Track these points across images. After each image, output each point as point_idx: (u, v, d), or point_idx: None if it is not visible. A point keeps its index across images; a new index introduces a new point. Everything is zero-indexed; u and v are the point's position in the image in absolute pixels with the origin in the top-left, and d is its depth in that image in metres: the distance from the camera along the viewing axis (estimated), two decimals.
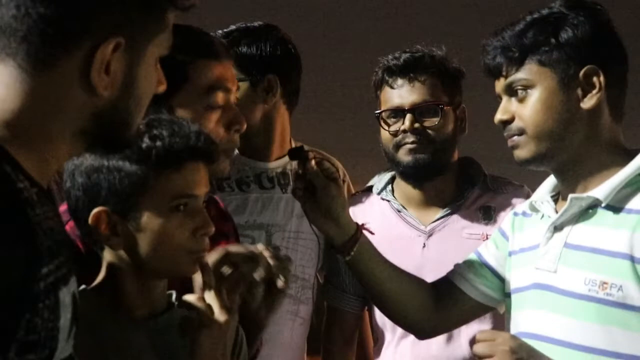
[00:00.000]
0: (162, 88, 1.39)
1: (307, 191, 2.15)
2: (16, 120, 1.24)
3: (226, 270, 1.79)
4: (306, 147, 2.31)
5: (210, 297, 1.68)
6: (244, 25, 2.60)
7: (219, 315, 1.67)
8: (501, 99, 2.06)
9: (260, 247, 1.86)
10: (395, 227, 2.68)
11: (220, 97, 2.03)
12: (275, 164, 2.57)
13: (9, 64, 1.24)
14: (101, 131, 1.31)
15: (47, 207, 1.25)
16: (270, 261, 1.84)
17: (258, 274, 1.82)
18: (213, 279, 1.70)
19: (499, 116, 2.05)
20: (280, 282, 1.88)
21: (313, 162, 2.13)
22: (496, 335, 2.00)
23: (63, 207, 1.88)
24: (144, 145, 1.62)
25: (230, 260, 1.80)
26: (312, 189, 2.13)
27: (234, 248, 1.85)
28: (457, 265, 2.30)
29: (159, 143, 1.62)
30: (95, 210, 1.63)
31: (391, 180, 2.76)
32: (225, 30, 2.57)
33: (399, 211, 2.70)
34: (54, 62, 1.24)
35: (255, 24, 2.61)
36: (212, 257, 1.79)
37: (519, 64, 2.01)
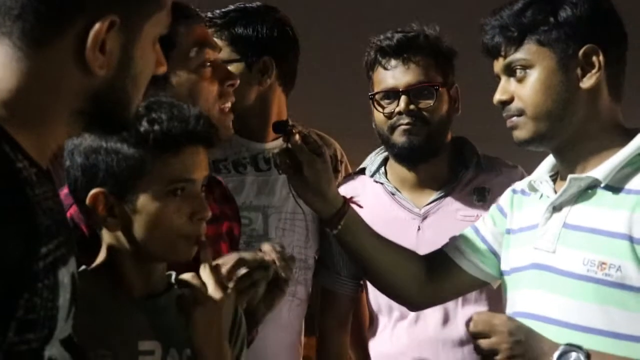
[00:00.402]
0: (162, 69, 1.40)
1: (293, 165, 2.16)
2: (14, 100, 1.24)
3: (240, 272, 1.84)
4: (291, 122, 2.32)
5: (206, 275, 1.69)
6: (241, 5, 2.60)
7: (214, 292, 1.67)
8: (499, 79, 2.06)
9: (266, 247, 1.90)
10: (389, 210, 2.68)
11: (209, 53, 2.07)
12: (272, 145, 2.57)
13: (5, 42, 1.24)
14: (99, 111, 1.31)
15: (46, 187, 1.26)
16: (277, 262, 1.89)
17: (280, 268, 1.88)
18: (209, 256, 1.71)
19: (498, 96, 2.05)
20: (283, 283, 1.93)
21: (297, 136, 2.14)
22: (494, 317, 2.03)
23: (67, 190, 1.89)
24: (142, 128, 1.63)
25: (243, 265, 1.84)
26: (297, 163, 2.15)
27: (247, 255, 1.88)
28: (452, 239, 2.31)
29: (157, 127, 1.63)
30: (93, 191, 1.64)
31: (384, 162, 2.76)
32: (222, 10, 2.57)
33: (392, 194, 2.70)
34: (49, 41, 1.24)
35: (254, 4, 2.61)
36: (227, 263, 1.83)
37: (517, 43, 2.01)
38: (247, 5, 2.60)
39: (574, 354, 1.88)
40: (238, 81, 2.15)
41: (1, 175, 1.16)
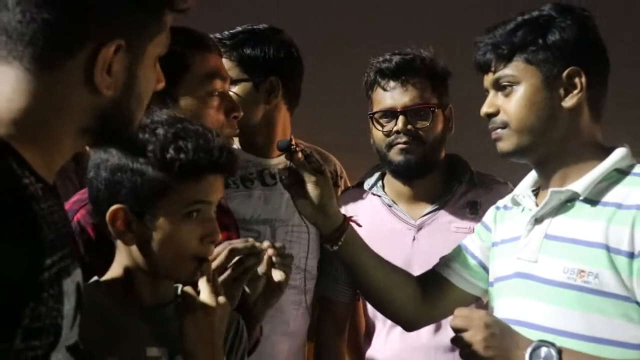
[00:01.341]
0: (161, 86, 1.40)
1: (295, 182, 2.16)
2: (22, 119, 1.24)
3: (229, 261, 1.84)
4: (294, 141, 2.32)
5: (202, 284, 1.69)
6: (249, 27, 2.60)
7: (207, 299, 1.67)
8: (488, 93, 2.07)
9: (265, 244, 1.90)
10: (386, 221, 2.67)
11: (218, 84, 2.08)
12: (277, 161, 2.57)
13: (16, 66, 1.24)
14: (104, 128, 1.31)
15: (52, 202, 1.25)
16: (274, 258, 1.89)
17: (260, 268, 1.87)
18: (210, 270, 1.71)
19: (485, 109, 2.06)
20: (278, 276, 1.92)
21: (300, 154, 2.14)
22: (472, 311, 2.03)
23: (76, 197, 1.89)
24: (168, 155, 1.62)
25: (235, 254, 1.84)
26: (300, 180, 2.14)
27: (238, 244, 1.88)
28: (443, 258, 2.30)
29: (182, 155, 1.62)
30: (114, 207, 1.63)
31: (381, 177, 2.76)
32: (231, 31, 2.58)
33: (389, 206, 2.70)
34: (59, 64, 1.24)
35: (260, 26, 2.61)
36: (221, 253, 1.83)
37: (507, 60, 2.02)
38: (255, 27, 2.60)
39: (545, 349, 1.87)
40: (242, 113, 2.15)
41: (8, 190, 1.16)
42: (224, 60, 2.34)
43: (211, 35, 2.24)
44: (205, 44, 2.10)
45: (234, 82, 2.44)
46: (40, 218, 1.20)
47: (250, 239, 1.91)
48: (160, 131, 1.65)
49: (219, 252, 1.85)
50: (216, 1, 4.00)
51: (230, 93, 2.23)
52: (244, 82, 2.52)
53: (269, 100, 2.56)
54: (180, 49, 1.96)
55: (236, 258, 1.85)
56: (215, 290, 1.69)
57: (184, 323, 1.66)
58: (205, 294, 1.67)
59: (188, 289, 1.70)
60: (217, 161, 1.66)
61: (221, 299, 1.68)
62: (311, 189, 2.14)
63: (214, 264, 1.82)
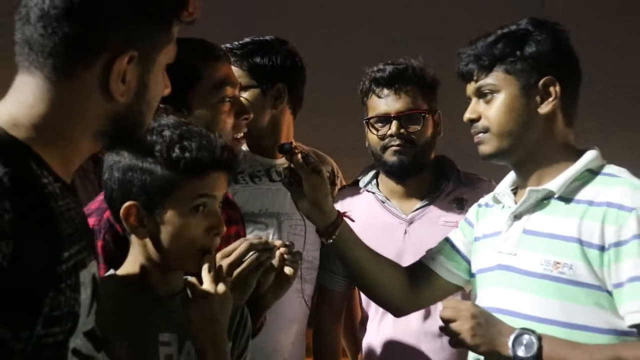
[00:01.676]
0: (167, 91, 1.39)
1: (294, 181, 2.16)
2: (42, 124, 1.24)
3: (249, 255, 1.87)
4: (294, 144, 2.31)
5: (205, 273, 1.69)
6: (257, 38, 2.59)
7: (207, 287, 1.67)
8: (471, 100, 2.07)
9: (278, 242, 1.93)
10: (380, 215, 2.67)
11: (229, 90, 2.08)
12: (281, 161, 2.54)
13: (37, 75, 1.24)
14: (118, 131, 1.31)
15: (69, 199, 1.25)
16: (285, 256, 1.91)
17: (274, 262, 1.89)
18: (213, 261, 1.72)
19: (468, 115, 2.06)
20: (288, 271, 1.93)
21: (299, 155, 2.14)
22: (460, 303, 2.04)
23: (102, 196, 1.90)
24: (174, 155, 1.63)
25: (251, 249, 1.86)
26: (299, 179, 2.15)
27: (254, 240, 1.90)
28: (429, 251, 2.30)
29: (187, 154, 1.64)
30: (127, 204, 1.64)
31: (375, 175, 2.75)
32: (240, 42, 2.57)
33: (383, 202, 2.69)
34: (77, 74, 1.24)
35: (267, 37, 2.60)
36: (238, 248, 1.86)
37: (488, 70, 2.02)
38: (263, 38, 2.60)
39: (527, 336, 1.88)
40: (252, 115, 2.16)
41: (28, 189, 1.16)
42: (234, 68, 2.36)
43: (221, 45, 2.24)
44: (215, 54, 2.10)
45: (244, 88, 2.44)
46: (58, 214, 1.20)
47: (264, 236, 1.92)
48: (166, 133, 1.66)
49: (236, 247, 1.87)
50: (221, 11, 4.00)
51: (241, 98, 2.23)
52: (253, 88, 2.52)
53: (275, 105, 2.56)
54: (193, 60, 1.99)
55: (251, 252, 1.86)
56: (216, 280, 1.68)
57: (187, 310, 1.66)
58: (206, 283, 1.67)
59: (192, 279, 1.71)
60: (219, 159, 1.67)
61: (220, 287, 1.67)
62: (308, 187, 2.14)
63: (232, 257, 1.85)
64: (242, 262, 1.86)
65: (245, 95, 2.45)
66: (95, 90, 1.25)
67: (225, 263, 1.86)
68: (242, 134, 2.15)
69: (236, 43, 2.56)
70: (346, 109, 2.94)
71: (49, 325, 1.17)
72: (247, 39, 2.59)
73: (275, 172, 2.56)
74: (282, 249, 1.91)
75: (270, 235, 2.50)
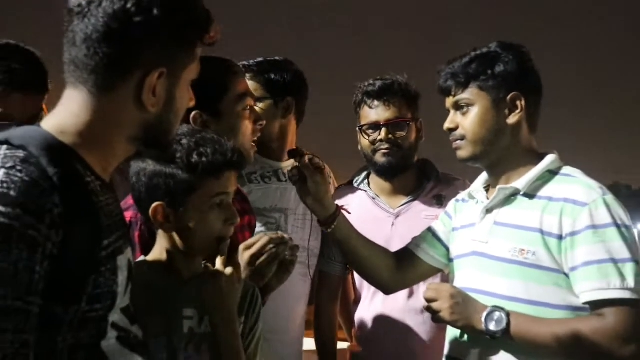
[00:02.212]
0: (192, 104, 1.40)
1: (300, 179, 2.16)
2: (85, 131, 1.25)
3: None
4: (301, 149, 2.32)
5: (218, 259, 1.69)
6: (271, 58, 2.60)
7: (218, 267, 1.68)
8: (449, 112, 2.07)
9: (287, 236, 1.93)
10: (371, 210, 2.66)
11: (249, 101, 2.10)
12: (287, 164, 2.55)
13: (81, 89, 1.26)
14: (149, 137, 1.32)
15: (108, 196, 1.27)
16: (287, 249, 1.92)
17: (287, 253, 1.90)
18: (226, 248, 1.72)
19: (447, 125, 2.06)
20: (291, 261, 1.94)
21: (306, 158, 2.16)
22: (440, 285, 2.05)
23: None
24: (193, 160, 1.63)
25: (270, 243, 1.88)
26: (304, 177, 2.15)
27: (272, 235, 1.91)
28: (414, 239, 2.30)
29: (204, 159, 1.63)
30: (154, 205, 1.64)
31: (367, 175, 2.75)
32: (256, 60, 2.57)
33: (373, 198, 2.68)
34: (115, 88, 1.25)
35: (278, 58, 2.61)
36: (260, 241, 1.88)
37: (464, 87, 2.02)
38: (274, 58, 2.60)
39: (497, 313, 1.89)
40: (265, 122, 2.19)
41: (74, 187, 1.18)
42: (250, 82, 2.38)
43: (239, 63, 2.26)
44: (237, 70, 2.13)
45: (258, 99, 2.44)
46: (99, 208, 1.22)
47: (280, 232, 1.94)
48: (184, 141, 1.65)
49: (257, 241, 1.88)
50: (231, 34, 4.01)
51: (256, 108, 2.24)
52: (267, 100, 2.52)
53: (285, 115, 2.55)
54: (221, 76, 2.01)
55: (270, 246, 1.87)
56: (225, 263, 1.69)
57: (202, 290, 1.67)
58: (217, 265, 1.68)
59: (207, 264, 1.72)
60: (230, 160, 1.67)
61: (228, 269, 1.68)
62: (312, 184, 2.14)
63: (254, 249, 1.87)
64: (262, 254, 1.87)
65: (260, 106, 2.45)
66: (130, 101, 1.26)
67: (247, 254, 1.87)
68: (256, 138, 2.15)
69: (252, 61, 2.56)
70: (343, 118, 2.92)
71: (92, 302, 1.19)
72: (261, 59, 2.59)
73: (282, 173, 2.55)
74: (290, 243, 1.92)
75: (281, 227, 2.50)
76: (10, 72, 2.28)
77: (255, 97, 2.23)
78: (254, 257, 1.87)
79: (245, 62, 2.50)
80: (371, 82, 2.64)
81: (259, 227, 2.32)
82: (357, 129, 2.67)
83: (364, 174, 2.76)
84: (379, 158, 2.60)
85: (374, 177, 2.72)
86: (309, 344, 2.93)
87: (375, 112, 2.61)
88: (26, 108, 2.31)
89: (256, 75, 2.53)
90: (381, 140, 2.58)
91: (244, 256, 1.87)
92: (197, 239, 1.68)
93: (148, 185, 1.65)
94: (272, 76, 2.54)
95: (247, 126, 2.09)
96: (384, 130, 2.58)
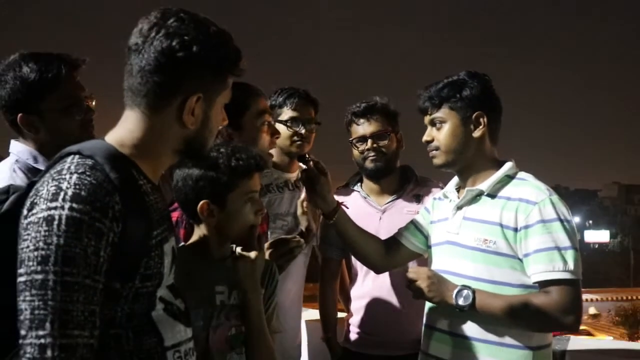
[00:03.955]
0: (225, 123, 1.39)
1: (308, 181, 2.18)
2: (139, 144, 1.26)
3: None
4: (308, 156, 2.31)
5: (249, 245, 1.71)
6: (287, 87, 2.53)
7: (250, 252, 1.70)
8: (427, 127, 2.07)
9: (302, 241, 2.03)
10: (363, 207, 2.66)
11: (267, 117, 2.10)
12: (294, 175, 2.54)
13: (136, 110, 1.26)
14: (189, 150, 1.32)
15: (157, 195, 1.27)
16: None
17: (298, 249, 2.00)
18: (255, 235, 1.73)
19: (425, 138, 2.05)
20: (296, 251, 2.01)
21: (312, 163, 2.17)
22: (419, 269, 2.04)
23: None
24: (232, 164, 1.65)
25: (286, 240, 1.98)
26: (311, 179, 2.17)
27: (291, 237, 2.01)
28: (399, 229, 2.30)
29: (241, 162, 1.66)
30: (201, 202, 1.66)
31: (360, 179, 2.75)
32: (278, 92, 2.51)
33: (365, 197, 2.68)
34: (162, 109, 1.26)
35: (294, 87, 2.54)
36: (280, 240, 2.00)
37: (438, 107, 2.02)
38: (291, 87, 2.53)
39: (465, 291, 1.90)
40: (280, 135, 2.19)
41: (130, 188, 1.18)
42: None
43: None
44: (257, 91, 2.12)
45: (277, 122, 2.40)
46: (150, 206, 1.22)
47: (297, 236, 2.00)
48: (223, 150, 1.67)
49: (280, 243, 1.98)
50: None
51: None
52: (283, 123, 2.45)
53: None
54: (243, 96, 2.00)
55: (291, 244, 1.97)
56: (254, 248, 1.70)
57: (235, 266, 1.69)
58: (248, 249, 1.70)
59: (239, 248, 1.73)
60: (258, 163, 1.69)
61: (253, 253, 1.69)
62: (317, 184, 2.16)
63: (278, 253, 1.95)
64: (282, 255, 1.96)
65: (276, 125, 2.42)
66: (173, 120, 1.26)
67: (271, 253, 1.94)
68: (273, 149, 2.16)
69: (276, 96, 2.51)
70: (339, 133, 2.91)
71: (143, 280, 1.20)
72: (279, 89, 2.53)
73: (291, 183, 2.52)
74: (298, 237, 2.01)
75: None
76: None
77: (271, 114, 2.20)
78: (276, 252, 1.94)
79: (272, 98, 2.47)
80: (357, 104, 2.64)
81: (277, 228, 2.35)
82: (349, 142, 2.67)
83: (357, 177, 2.76)
84: (368, 164, 2.61)
85: (365, 180, 2.72)
86: (314, 314, 2.94)
87: (362, 128, 2.61)
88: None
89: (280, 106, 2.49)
90: (368, 150, 2.59)
91: (268, 252, 1.92)
92: (235, 227, 1.69)
93: (195, 187, 1.66)
94: (288, 107, 2.47)
95: (265, 138, 2.08)
96: (369, 141, 2.58)
